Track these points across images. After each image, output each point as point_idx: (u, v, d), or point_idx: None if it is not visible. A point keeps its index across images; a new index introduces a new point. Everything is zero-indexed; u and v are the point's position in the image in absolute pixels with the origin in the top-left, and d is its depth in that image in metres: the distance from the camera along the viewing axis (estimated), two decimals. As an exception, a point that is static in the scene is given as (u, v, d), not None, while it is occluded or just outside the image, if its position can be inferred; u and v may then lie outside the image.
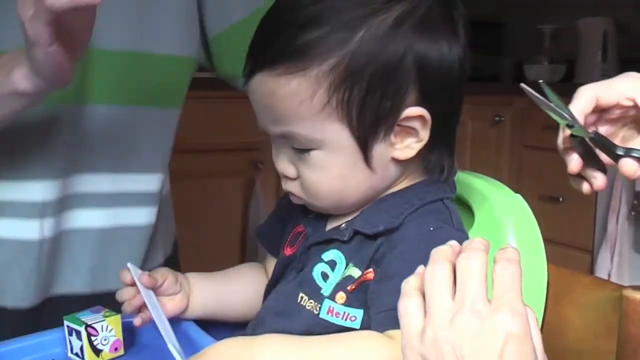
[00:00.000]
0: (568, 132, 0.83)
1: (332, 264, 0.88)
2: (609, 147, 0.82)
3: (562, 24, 3.76)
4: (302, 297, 0.88)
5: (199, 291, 1.05)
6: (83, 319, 0.97)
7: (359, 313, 0.84)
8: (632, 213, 2.86)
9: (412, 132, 0.85)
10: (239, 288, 1.08)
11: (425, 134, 0.85)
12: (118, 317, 0.98)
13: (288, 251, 0.98)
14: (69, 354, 0.98)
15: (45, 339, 1.01)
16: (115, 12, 1.11)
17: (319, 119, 0.82)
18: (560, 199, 3.09)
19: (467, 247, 0.66)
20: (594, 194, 2.98)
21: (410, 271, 0.68)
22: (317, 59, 0.80)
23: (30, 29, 0.80)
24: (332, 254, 0.88)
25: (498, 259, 0.65)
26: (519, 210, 0.94)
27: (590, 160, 0.84)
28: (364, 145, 0.84)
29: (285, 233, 1.01)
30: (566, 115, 0.82)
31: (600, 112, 0.87)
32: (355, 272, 0.85)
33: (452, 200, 0.90)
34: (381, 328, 0.78)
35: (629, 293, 0.86)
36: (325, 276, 0.87)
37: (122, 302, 1.01)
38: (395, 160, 0.87)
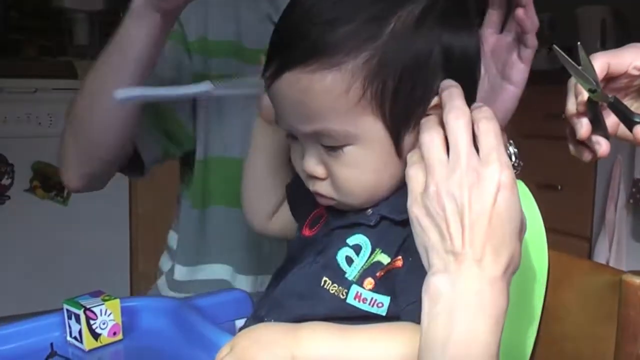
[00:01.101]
0: (585, 97, 0.86)
1: (357, 249, 0.88)
2: (626, 114, 0.85)
3: (561, 12, 3.76)
4: (325, 281, 0.88)
5: (268, 144, 1.08)
6: (82, 303, 0.97)
7: (385, 300, 0.85)
8: (631, 201, 2.85)
9: None
10: (282, 180, 1.10)
11: None
12: (117, 301, 0.98)
13: (307, 232, 0.97)
14: (68, 338, 0.99)
15: (44, 322, 1.01)
16: (235, 122, 1.33)
17: (353, 112, 0.82)
18: (559, 187, 3.08)
19: (452, 107, 0.76)
20: (592, 182, 2.99)
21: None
22: (351, 53, 0.80)
23: None
24: (357, 238, 0.88)
25: (477, 117, 0.75)
26: (520, 196, 0.94)
27: (597, 127, 0.86)
28: (397, 137, 0.84)
29: (306, 213, 1.00)
30: (591, 80, 0.84)
31: (608, 79, 0.90)
32: (384, 259, 0.85)
33: None
34: (411, 319, 0.79)
35: (628, 278, 0.87)
36: (349, 260, 0.87)
37: None
38: None
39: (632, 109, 0.89)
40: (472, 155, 0.73)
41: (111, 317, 0.98)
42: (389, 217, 0.87)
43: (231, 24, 1.33)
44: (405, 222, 0.83)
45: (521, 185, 0.95)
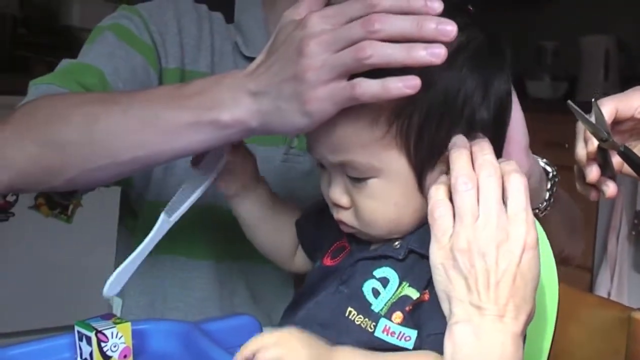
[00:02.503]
0: (596, 144, 0.89)
1: (384, 281, 0.89)
2: (636, 162, 0.89)
3: (564, 41, 3.77)
4: (350, 312, 0.89)
5: (254, 203, 1.09)
6: (93, 325, 0.97)
7: (413, 333, 0.85)
8: (633, 232, 2.86)
9: None
10: (284, 228, 1.10)
11: None
12: (128, 324, 0.99)
13: (329, 262, 0.99)
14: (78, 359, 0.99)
15: (55, 343, 1.01)
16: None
17: (378, 146, 0.84)
18: (560, 216, 3.08)
19: (484, 162, 0.78)
20: (594, 212, 2.99)
21: None
22: None
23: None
24: (384, 271, 0.89)
25: (507, 170, 0.78)
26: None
27: (605, 170, 0.89)
28: (420, 174, 0.86)
29: (327, 239, 1.01)
30: (603, 130, 0.87)
31: (615, 123, 0.93)
32: (413, 293, 0.86)
33: None
34: (434, 349, 0.81)
35: (638, 315, 0.87)
36: (376, 292, 0.88)
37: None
38: None
39: (638, 149, 0.93)
40: (502, 213, 0.76)
41: (122, 339, 0.98)
42: (417, 252, 0.88)
43: (206, 53, 1.31)
44: (426, 257, 0.84)
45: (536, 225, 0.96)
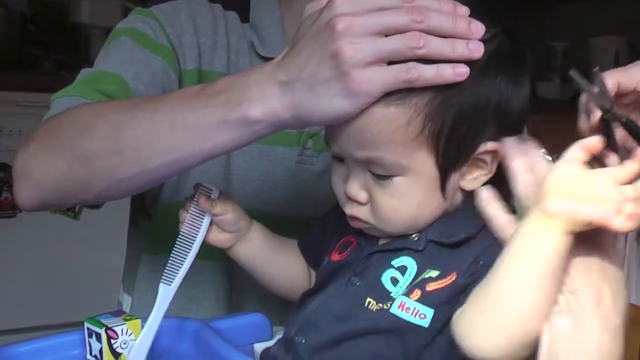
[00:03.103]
0: (598, 116, 0.87)
1: (403, 269, 0.89)
2: (638, 132, 0.87)
3: (574, 42, 3.77)
4: (369, 302, 0.89)
5: (255, 242, 1.09)
6: (103, 322, 0.97)
7: (429, 312, 0.85)
8: (641, 234, 2.86)
9: (481, 165, 0.88)
10: (292, 259, 1.10)
11: (493, 167, 0.88)
12: (138, 321, 0.99)
13: (336, 257, 0.99)
14: (88, 356, 0.99)
15: (65, 340, 1.01)
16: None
17: (409, 146, 0.84)
18: (569, 217, 3.08)
19: None
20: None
21: None
22: (417, 89, 0.81)
23: None
24: (402, 260, 0.89)
25: None
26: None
27: (608, 143, 0.89)
28: (444, 175, 0.86)
29: (331, 242, 1.01)
30: (607, 100, 0.86)
31: (617, 96, 0.91)
32: (433, 273, 0.87)
33: None
34: None
35: (652, 316, 0.87)
36: (395, 281, 0.88)
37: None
38: (461, 190, 0.90)
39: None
40: None
41: (132, 337, 0.98)
42: (437, 241, 0.88)
43: (222, 53, 1.30)
44: (454, 245, 0.87)
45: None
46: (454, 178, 0.87)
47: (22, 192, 1.07)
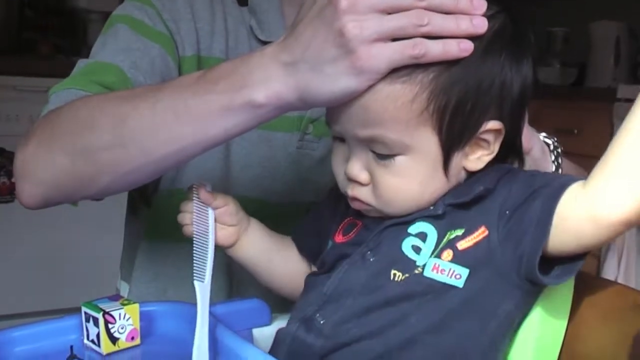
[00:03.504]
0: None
1: (422, 236, 0.88)
2: None
3: (575, 27, 3.76)
4: (395, 274, 0.88)
5: (254, 237, 1.08)
6: (101, 306, 0.96)
7: (464, 272, 0.85)
8: (641, 219, 2.85)
9: (483, 145, 0.88)
10: (291, 254, 1.10)
11: (496, 147, 0.88)
12: (136, 306, 0.98)
13: (341, 239, 0.98)
14: (85, 341, 0.98)
15: (62, 324, 1.01)
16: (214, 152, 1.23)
17: (413, 123, 0.83)
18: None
19: None
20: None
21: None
22: (422, 66, 0.81)
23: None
24: (418, 226, 0.89)
25: None
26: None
27: None
28: (447, 154, 0.86)
29: (332, 227, 1.01)
30: None
31: None
32: (459, 231, 0.86)
33: None
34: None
35: (654, 302, 0.86)
36: (417, 249, 0.88)
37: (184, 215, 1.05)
38: (465, 170, 0.89)
39: None
40: None
41: (130, 321, 0.97)
42: (455, 203, 0.88)
43: (221, 38, 1.29)
44: (473, 201, 0.87)
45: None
46: (456, 157, 0.87)
47: (24, 191, 1.06)
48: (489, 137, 0.87)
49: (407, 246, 0.88)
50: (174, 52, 1.24)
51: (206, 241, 1.00)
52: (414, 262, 0.87)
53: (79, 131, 1.00)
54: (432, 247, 0.87)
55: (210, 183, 1.04)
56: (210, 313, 0.98)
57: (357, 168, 0.88)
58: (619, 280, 2.85)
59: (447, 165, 0.87)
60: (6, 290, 3.03)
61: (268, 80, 0.85)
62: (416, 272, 0.86)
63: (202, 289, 0.95)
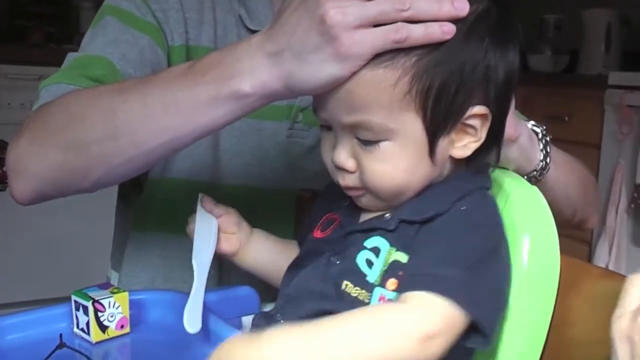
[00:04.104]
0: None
1: (376, 251, 0.88)
2: None
3: (567, 14, 3.76)
4: (346, 285, 0.88)
5: (258, 244, 1.09)
6: (90, 294, 0.97)
7: None
8: (632, 206, 2.86)
9: (470, 131, 0.87)
10: (293, 255, 1.07)
11: (483, 134, 0.88)
12: (126, 294, 0.98)
13: (319, 234, 0.98)
14: (75, 329, 0.99)
15: (52, 313, 1.01)
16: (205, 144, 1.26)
17: (397, 107, 0.83)
18: (560, 190, 3.09)
19: None
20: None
21: (438, 245, 0.82)
22: (405, 49, 0.81)
23: None
24: (375, 240, 0.89)
25: None
26: (534, 202, 0.94)
27: None
28: (432, 139, 0.85)
29: (316, 220, 1.01)
30: None
31: None
32: (402, 257, 0.86)
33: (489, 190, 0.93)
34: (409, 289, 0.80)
35: (640, 286, 0.86)
36: (369, 263, 0.87)
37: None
38: (451, 158, 0.89)
39: None
40: None
41: (119, 309, 0.98)
42: (407, 220, 0.87)
43: (209, 27, 1.29)
44: (418, 222, 0.86)
45: (536, 192, 0.95)
46: (442, 143, 0.86)
47: (18, 187, 1.06)
48: (475, 122, 0.86)
49: (361, 259, 0.88)
50: (163, 42, 1.24)
51: (206, 245, 1.03)
52: (365, 275, 0.87)
53: (70, 125, 1.00)
54: (382, 263, 0.87)
55: (200, 173, 1.05)
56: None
57: (344, 155, 0.88)
58: (610, 267, 2.86)
59: (432, 151, 0.86)
60: (-2, 280, 3.03)
61: (254, 70, 0.86)
62: (365, 300, 0.86)
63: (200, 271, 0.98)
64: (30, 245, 3.14)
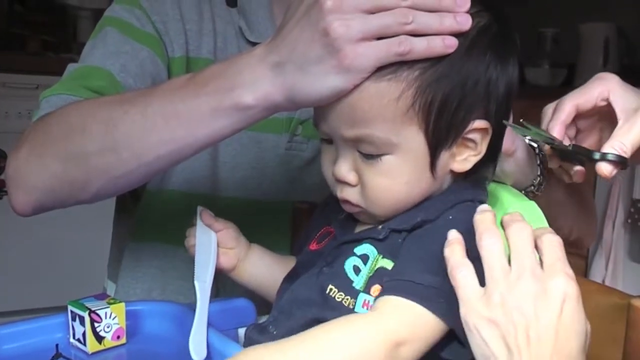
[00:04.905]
0: (547, 147, 0.97)
1: (365, 258, 0.88)
2: (586, 155, 0.92)
3: (564, 28, 3.76)
4: (331, 289, 0.88)
5: (256, 259, 1.09)
6: (87, 305, 0.96)
7: None
8: (629, 221, 2.86)
9: (470, 145, 0.87)
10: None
11: (483, 148, 0.88)
12: (122, 305, 0.98)
13: (314, 247, 0.98)
14: (71, 340, 0.98)
15: (48, 323, 1.01)
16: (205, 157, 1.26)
17: (399, 121, 0.83)
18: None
19: (513, 220, 0.75)
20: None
21: (421, 252, 0.83)
22: (407, 62, 0.81)
23: None
24: (364, 248, 0.89)
25: (540, 233, 0.75)
26: (532, 217, 0.94)
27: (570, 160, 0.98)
28: (434, 153, 0.85)
29: (312, 233, 1.01)
30: (547, 136, 0.94)
31: (578, 116, 0.97)
32: (388, 264, 0.86)
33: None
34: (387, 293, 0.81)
35: (637, 302, 0.87)
36: (357, 270, 0.88)
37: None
38: (451, 172, 0.89)
39: (603, 139, 0.95)
40: (536, 265, 0.72)
41: (116, 320, 0.97)
42: (396, 229, 0.87)
43: (209, 39, 1.29)
44: (406, 230, 0.86)
45: (533, 207, 0.95)
46: (443, 157, 0.86)
47: (17, 199, 1.06)
48: (476, 136, 0.87)
49: (349, 265, 0.88)
50: (163, 54, 1.24)
51: (207, 261, 1.03)
52: (351, 281, 0.87)
53: (70, 137, 1.00)
54: (368, 270, 0.87)
55: (198, 185, 1.05)
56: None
57: (345, 169, 0.88)
58: (607, 282, 2.86)
59: (434, 165, 0.86)
60: (-6, 288, 3.02)
61: (256, 82, 0.85)
62: (350, 306, 0.86)
63: (203, 291, 0.99)
64: (27, 254, 3.13)
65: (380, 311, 0.80)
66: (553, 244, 0.74)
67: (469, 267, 0.74)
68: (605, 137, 0.92)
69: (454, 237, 0.77)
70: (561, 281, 0.70)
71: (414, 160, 0.85)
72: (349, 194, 0.89)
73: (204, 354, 0.91)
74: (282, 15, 0.88)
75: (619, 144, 0.89)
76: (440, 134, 0.84)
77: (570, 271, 0.72)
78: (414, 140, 0.84)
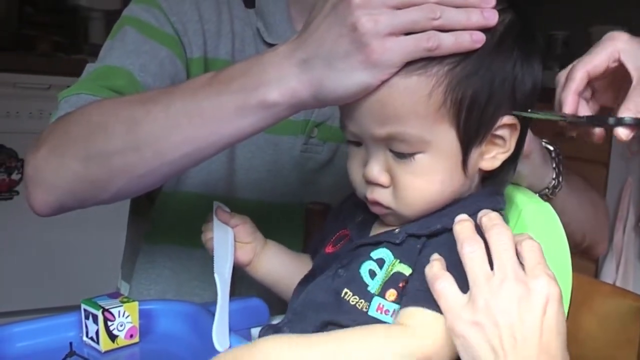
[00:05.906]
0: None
1: (381, 262, 0.88)
2: (601, 122, 0.91)
3: (575, 31, 3.76)
4: (346, 292, 0.88)
5: (271, 255, 1.10)
6: (100, 303, 0.97)
7: None
8: (639, 224, 2.85)
9: (499, 142, 0.87)
10: (307, 269, 1.07)
11: (511, 144, 0.88)
12: (135, 303, 0.98)
13: (330, 249, 0.98)
14: (84, 338, 0.99)
15: (61, 321, 1.01)
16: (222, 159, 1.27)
17: (431, 118, 0.82)
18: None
19: (492, 224, 0.77)
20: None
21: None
22: (437, 58, 0.81)
23: None
24: (381, 252, 0.88)
25: (520, 239, 0.76)
26: (547, 219, 0.94)
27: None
28: (466, 150, 0.85)
29: (329, 236, 1.01)
30: (559, 116, 0.92)
31: (590, 83, 0.96)
32: (405, 269, 0.85)
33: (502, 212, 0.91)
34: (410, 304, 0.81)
35: (651, 304, 0.87)
36: (372, 274, 0.87)
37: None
38: (480, 171, 0.89)
39: (620, 97, 0.93)
40: (518, 268, 0.73)
41: (129, 319, 0.98)
42: (414, 234, 0.87)
43: (227, 40, 1.28)
44: (425, 235, 0.86)
45: (548, 209, 0.95)
46: (474, 155, 0.86)
47: (37, 199, 1.05)
48: (505, 133, 0.86)
49: (365, 269, 0.88)
50: (182, 54, 1.24)
51: (226, 256, 1.04)
52: (366, 285, 0.87)
53: (91, 136, 0.99)
54: (384, 274, 0.87)
55: (214, 186, 1.05)
56: (210, 311, 0.99)
57: (377, 170, 0.87)
58: (617, 284, 2.85)
59: (465, 163, 0.86)
60: (7, 288, 3.02)
61: (282, 78, 0.85)
62: (364, 309, 0.86)
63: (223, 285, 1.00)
64: (41, 253, 3.14)
65: (409, 327, 0.79)
66: (533, 248, 0.75)
67: (447, 278, 0.76)
68: (622, 94, 0.90)
69: (434, 256, 0.79)
70: (543, 282, 0.72)
71: (447, 158, 0.85)
72: (380, 196, 0.88)
73: (227, 344, 0.93)
74: (299, 17, 0.89)
75: (634, 105, 0.87)
76: (471, 131, 0.84)
77: (551, 273, 0.73)
78: (446, 137, 0.84)
